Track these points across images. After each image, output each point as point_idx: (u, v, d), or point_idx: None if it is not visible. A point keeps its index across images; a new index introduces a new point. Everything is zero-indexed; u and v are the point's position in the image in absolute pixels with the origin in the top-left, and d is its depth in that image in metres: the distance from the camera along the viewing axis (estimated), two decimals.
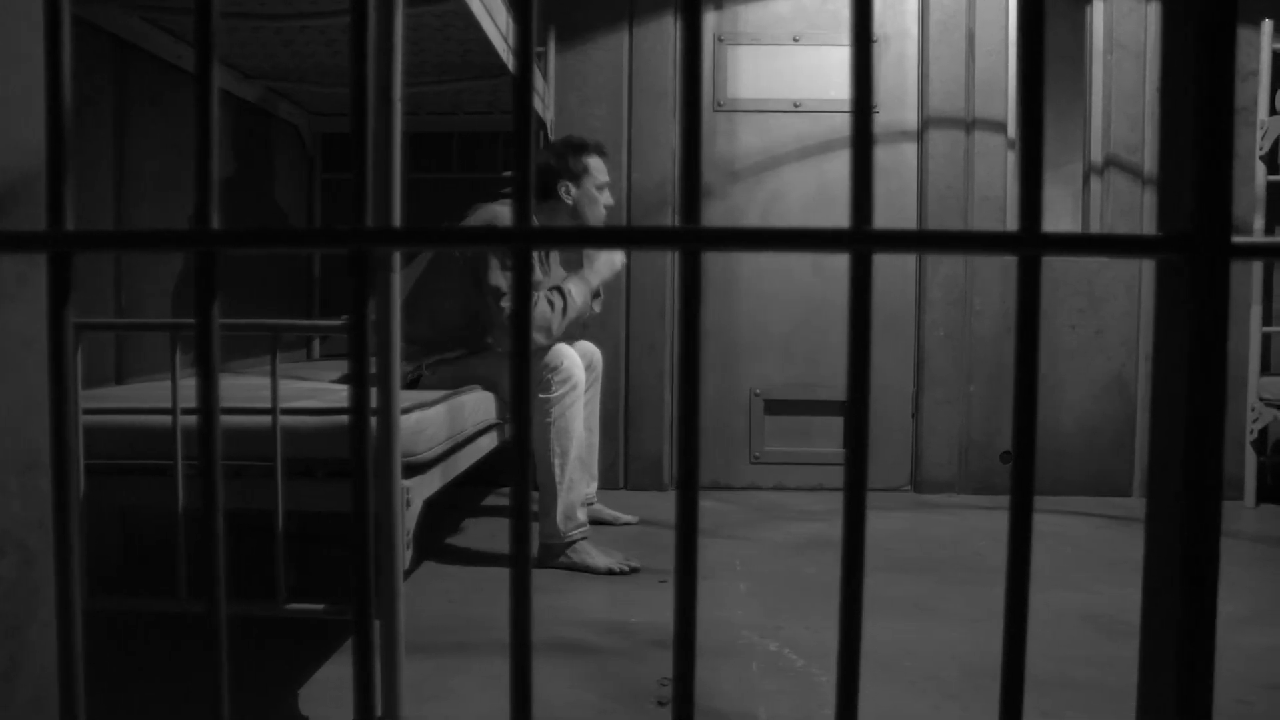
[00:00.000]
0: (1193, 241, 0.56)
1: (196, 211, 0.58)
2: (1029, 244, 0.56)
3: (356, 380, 0.59)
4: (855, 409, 0.59)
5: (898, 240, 0.58)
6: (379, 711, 1.51)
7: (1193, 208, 0.56)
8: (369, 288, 0.60)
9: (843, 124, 3.72)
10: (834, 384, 3.82)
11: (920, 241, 0.59)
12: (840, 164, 3.86)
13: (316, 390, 2.23)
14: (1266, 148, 3.58)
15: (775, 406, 3.91)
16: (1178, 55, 0.57)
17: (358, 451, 0.58)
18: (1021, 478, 0.57)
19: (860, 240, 0.57)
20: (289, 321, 1.51)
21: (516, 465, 0.56)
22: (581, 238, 0.59)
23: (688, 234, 0.55)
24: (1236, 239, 0.55)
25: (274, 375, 1.57)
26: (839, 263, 3.68)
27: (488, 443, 2.48)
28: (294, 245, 0.59)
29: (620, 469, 3.89)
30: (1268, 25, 3.53)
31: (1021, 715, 0.56)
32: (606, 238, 0.58)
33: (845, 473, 0.56)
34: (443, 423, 1.94)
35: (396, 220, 1.32)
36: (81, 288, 2.37)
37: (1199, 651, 0.58)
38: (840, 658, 0.55)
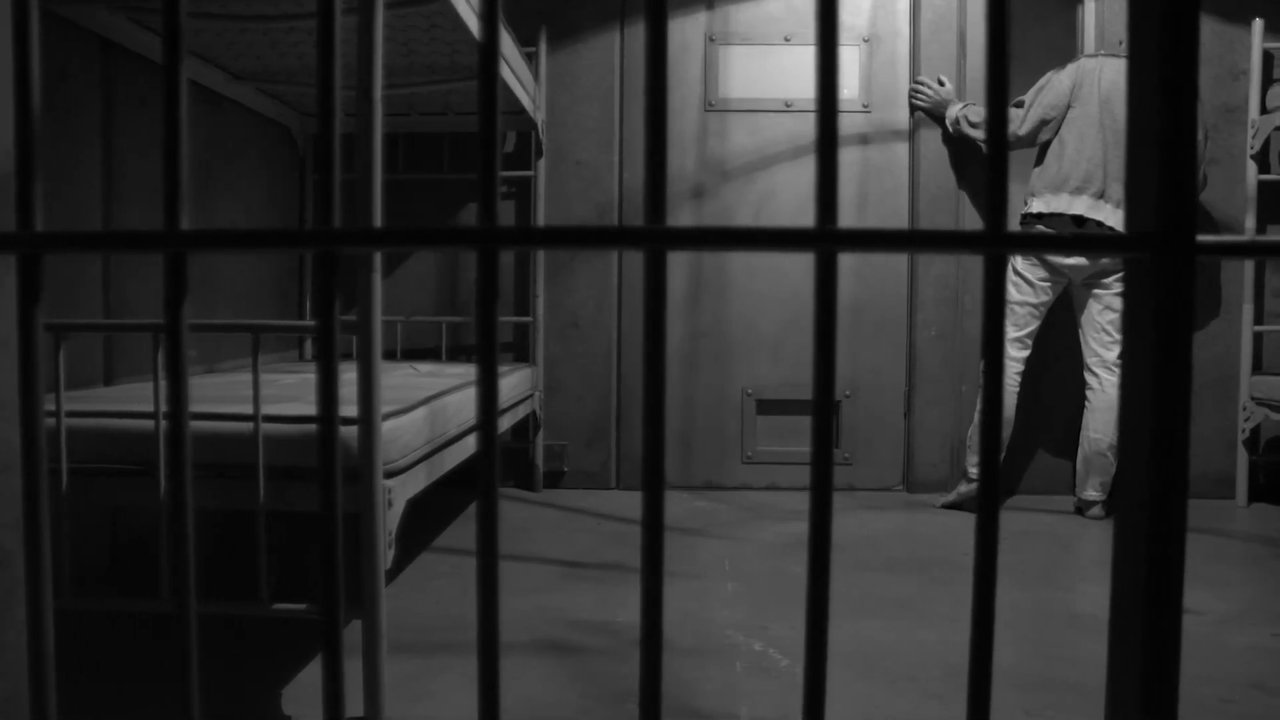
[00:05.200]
0: (1156, 240, 0.56)
1: (166, 213, 0.58)
2: (992, 243, 0.56)
3: (324, 382, 0.59)
4: (820, 408, 0.59)
5: (862, 239, 0.58)
6: (361, 711, 1.51)
7: (1157, 206, 0.56)
8: (337, 289, 0.60)
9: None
10: None
11: (884, 241, 0.59)
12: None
13: (305, 382, 2.23)
14: (1258, 147, 3.59)
15: (767, 406, 3.91)
16: (1142, 53, 0.57)
17: (326, 456, 0.58)
18: (988, 474, 0.57)
19: (824, 240, 0.57)
20: (266, 322, 1.50)
21: (484, 462, 0.56)
22: (548, 237, 0.58)
23: (652, 234, 0.55)
24: (1201, 238, 0.55)
25: (255, 376, 1.57)
26: None
27: (475, 442, 2.48)
28: (263, 246, 0.59)
29: (612, 469, 3.89)
30: (1258, 24, 3.53)
31: (989, 714, 0.56)
32: (570, 237, 0.58)
33: (811, 473, 0.56)
34: (420, 429, 1.93)
35: (378, 220, 1.32)
36: (69, 289, 2.36)
37: (1164, 653, 0.58)
38: (807, 654, 0.55)
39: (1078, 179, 3.30)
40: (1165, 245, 0.55)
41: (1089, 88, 3.34)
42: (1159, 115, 0.56)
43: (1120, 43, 3.56)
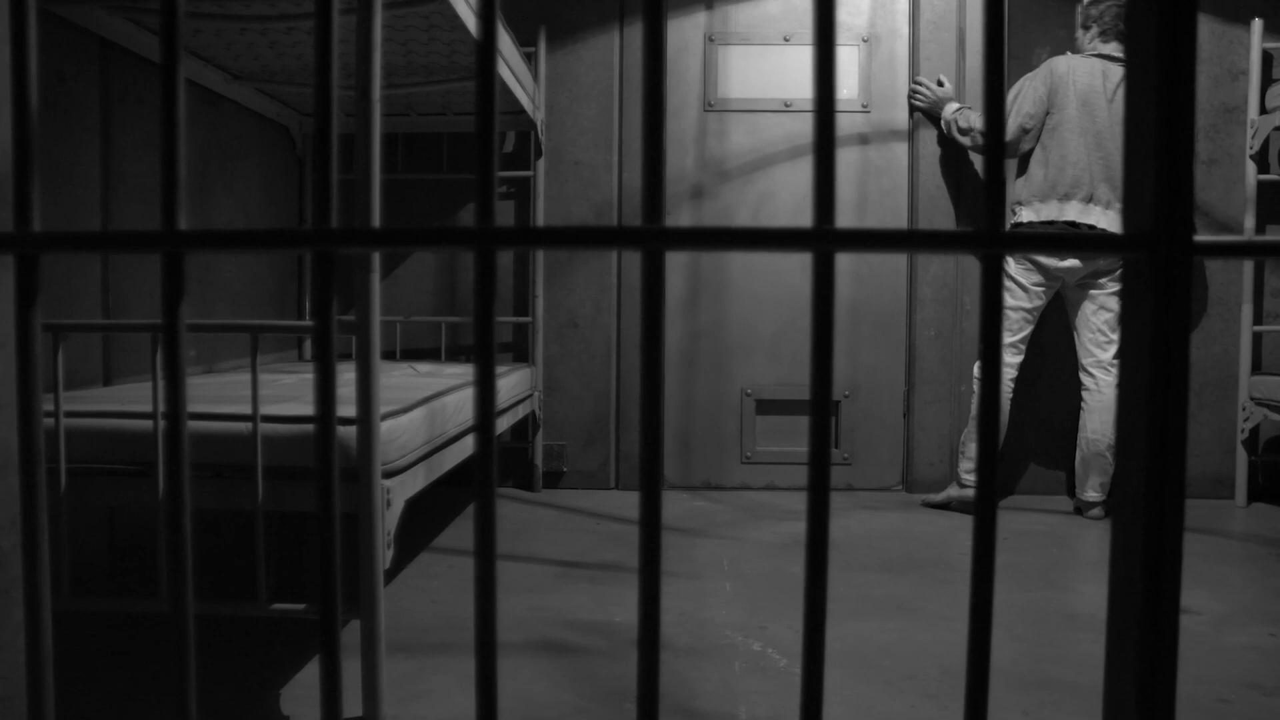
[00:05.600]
0: (1153, 240, 0.56)
1: (164, 213, 0.58)
2: (989, 243, 0.56)
3: (321, 383, 0.59)
4: (818, 408, 0.59)
5: (859, 239, 0.58)
6: (360, 711, 1.51)
7: (1154, 206, 0.56)
8: (334, 289, 0.60)
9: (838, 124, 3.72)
10: None
11: (882, 241, 0.59)
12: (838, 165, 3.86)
13: (304, 382, 2.23)
14: (1257, 147, 3.59)
15: (766, 406, 3.91)
16: (1139, 54, 0.57)
17: (323, 457, 0.58)
18: (984, 476, 0.57)
19: (822, 240, 0.57)
20: (264, 322, 1.50)
21: (482, 460, 0.56)
22: (545, 238, 0.58)
23: (649, 234, 0.55)
24: (1198, 238, 0.55)
25: (254, 376, 1.57)
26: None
27: (474, 442, 2.48)
28: (259, 246, 0.59)
29: (611, 469, 3.89)
30: (1258, 24, 3.53)
31: (985, 714, 0.56)
32: (566, 237, 0.58)
33: (809, 473, 0.56)
34: (419, 429, 1.93)
35: (377, 220, 1.32)
36: (68, 289, 2.36)
37: (1160, 653, 0.58)
38: (805, 655, 0.55)
39: (1066, 185, 3.31)
40: (1162, 245, 0.55)
41: (1065, 92, 3.36)
42: (1156, 117, 0.56)
43: (1075, 38, 3.57)
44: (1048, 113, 3.36)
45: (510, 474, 3.89)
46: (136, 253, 0.58)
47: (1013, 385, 3.51)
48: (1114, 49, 3.40)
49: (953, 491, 3.54)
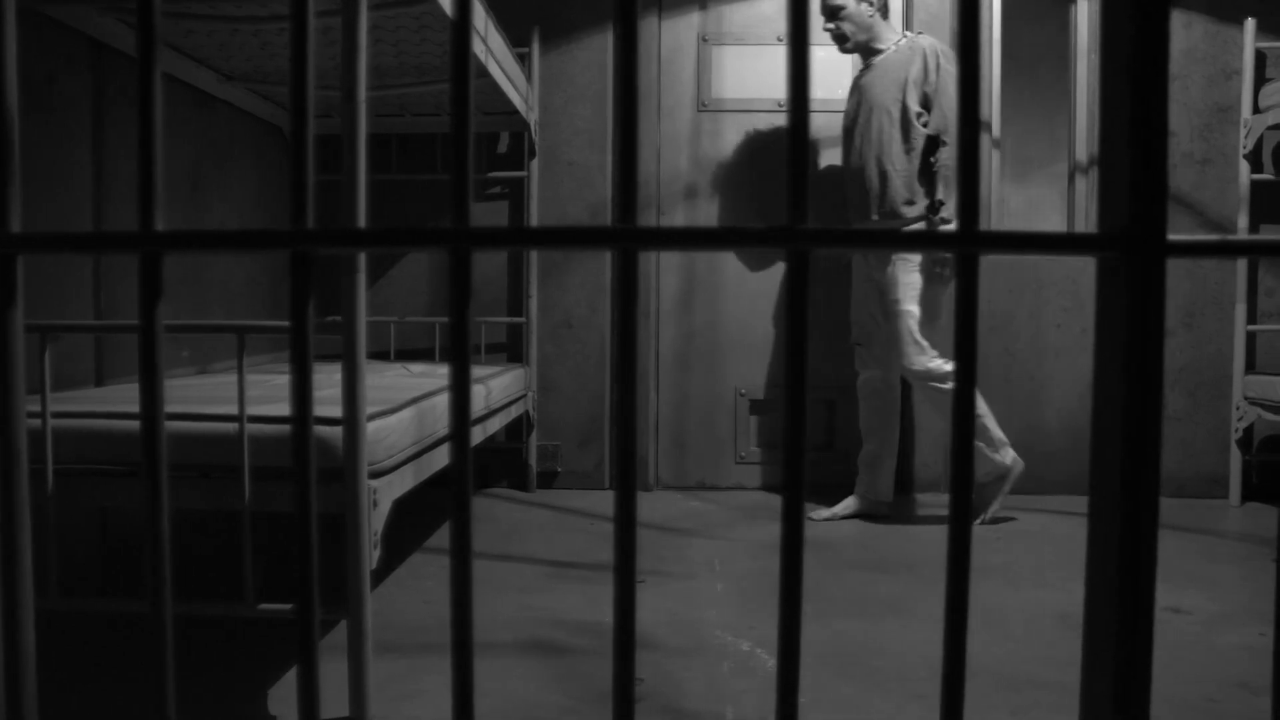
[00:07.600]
0: (1128, 239, 0.56)
1: (141, 214, 0.58)
2: (966, 242, 0.56)
3: (298, 383, 0.59)
4: (793, 408, 0.59)
5: (833, 238, 0.58)
6: (348, 710, 1.51)
7: (1128, 205, 0.56)
8: (311, 289, 0.60)
9: (826, 123, 3.72)
10: (818, 383, 3.82)
11: (856, 239, 0.59)
12: (825, 163, 3.86)
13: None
14: (1250, 146, 3.59)
15: (760, 406, 3.91)
16: (1114, 52, 0.57)
17: (300, 458, 0.58)
18: (960, 474, 0.57)
19: (795, 238, 0.57)
20: (249, 323, 1.50)
21: (457, 456, 0.56)
22: (520, 237, 0.58)
23: (622, 234, 0.55)
24: (1173, 237, 0.55)
25: (240, 376, 1.57)
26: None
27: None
28: (236, 247, 0.59)
29: (606, 470, 3.88)
30: (1250, 24, 3.54)
31: (962, 714, 0.56)
32: (543, 237, 0.58)
33: (783, 472, 0.56)
34: (407, 429, 1.93)
35: (362, 221, 1.32)
36: (60, 289, 2.36)
37: (1136, 652, 0.58)
38: (780, 655, 0.55)
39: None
40: (1137, 245, 0.55)
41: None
42: (1130, 117, 0.55)
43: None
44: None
45: (504, 474, 3.88)
46: (114, 253, 0.58)
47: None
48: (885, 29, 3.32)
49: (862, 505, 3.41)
